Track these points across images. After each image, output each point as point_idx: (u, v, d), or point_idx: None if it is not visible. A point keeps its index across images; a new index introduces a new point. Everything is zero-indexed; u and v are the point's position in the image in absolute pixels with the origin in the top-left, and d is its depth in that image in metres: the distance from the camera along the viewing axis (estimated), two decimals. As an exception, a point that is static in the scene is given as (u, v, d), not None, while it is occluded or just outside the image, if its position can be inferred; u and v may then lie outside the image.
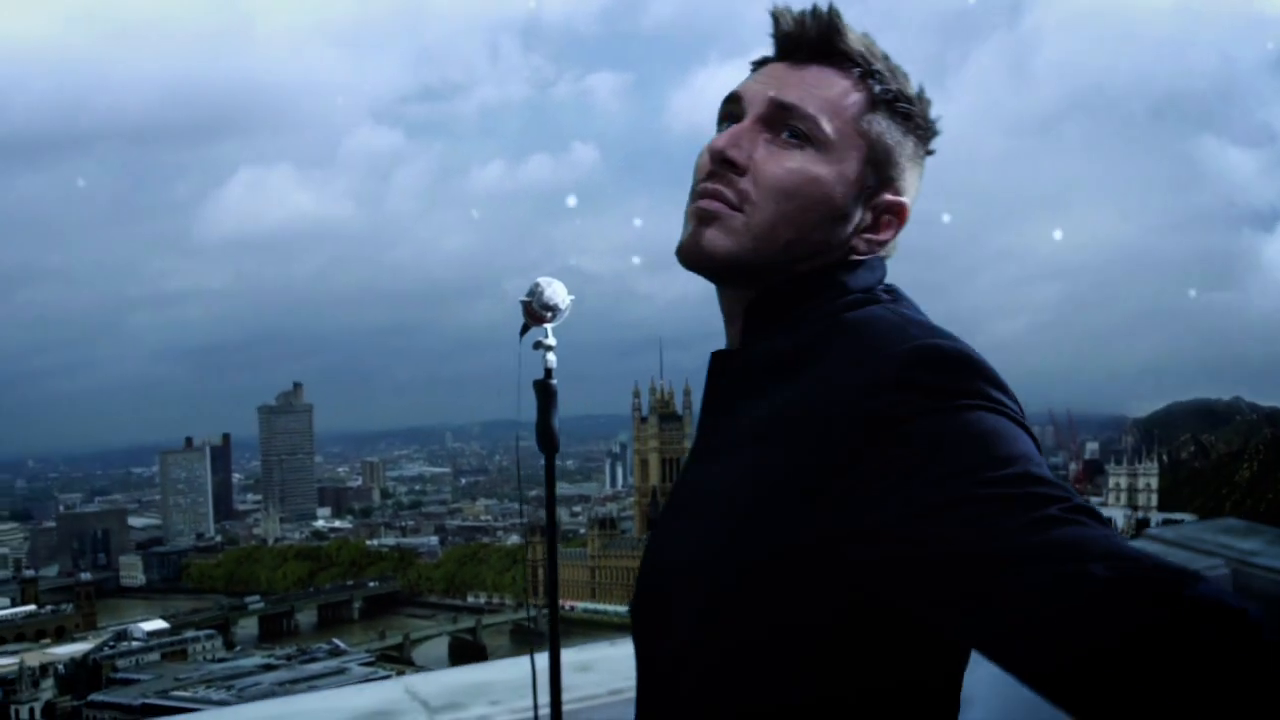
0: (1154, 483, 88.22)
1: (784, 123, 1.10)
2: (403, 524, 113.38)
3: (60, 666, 66.35)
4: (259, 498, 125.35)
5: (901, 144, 1.14)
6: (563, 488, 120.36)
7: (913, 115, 1.14)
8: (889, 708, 1.02)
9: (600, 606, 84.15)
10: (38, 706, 61.53)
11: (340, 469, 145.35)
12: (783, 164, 1.09)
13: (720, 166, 1.10)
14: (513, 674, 2.85)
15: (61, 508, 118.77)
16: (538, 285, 1.78)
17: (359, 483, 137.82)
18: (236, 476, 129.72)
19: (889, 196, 1.13)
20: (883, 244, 1.14)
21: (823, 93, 1.10)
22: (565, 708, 1.84)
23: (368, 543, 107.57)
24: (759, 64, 1.17)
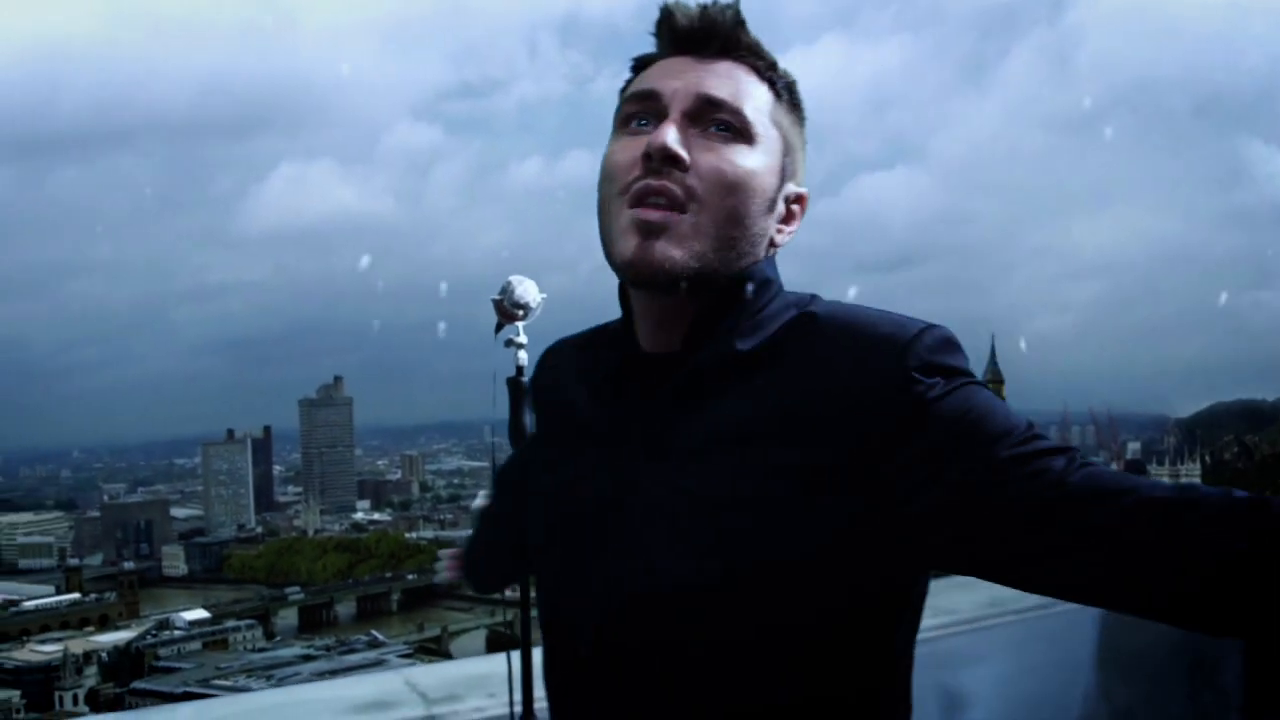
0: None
1: (710, 117, 1.08)
2: (441, 517, 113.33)
3: (103, 654, 67.11)
4: (299, 490, 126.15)
5: (800, 134, 1.16)
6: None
7: (800, 106, 1.16)
8: (861, 706, 1.08)
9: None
10: (81, 693, 62.20)
11: (380, 462, 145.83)
12: (723, 157, 1.07)
13: (664, 163, 1.05)
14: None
15: (105, 497, 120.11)
16: (509, 284, 1.80)
17: (398, 476, 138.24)
18: (277, 468, 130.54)
19: (794, 187, 1.15)
20: (791, 234, 1.15)
21: (741, 86, 1.10)
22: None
23: (407, 535, 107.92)
24: (645, 61, 1.15)
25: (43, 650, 66.55)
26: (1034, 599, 3.01)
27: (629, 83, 1.15)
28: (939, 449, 0.98)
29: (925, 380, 1.00)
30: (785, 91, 1.13)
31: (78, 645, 67.69)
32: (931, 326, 1.04)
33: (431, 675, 2.96)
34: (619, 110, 1.13)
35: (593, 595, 1.10)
